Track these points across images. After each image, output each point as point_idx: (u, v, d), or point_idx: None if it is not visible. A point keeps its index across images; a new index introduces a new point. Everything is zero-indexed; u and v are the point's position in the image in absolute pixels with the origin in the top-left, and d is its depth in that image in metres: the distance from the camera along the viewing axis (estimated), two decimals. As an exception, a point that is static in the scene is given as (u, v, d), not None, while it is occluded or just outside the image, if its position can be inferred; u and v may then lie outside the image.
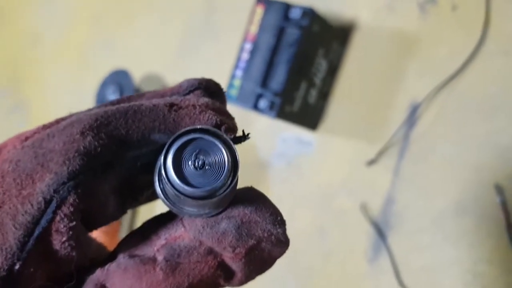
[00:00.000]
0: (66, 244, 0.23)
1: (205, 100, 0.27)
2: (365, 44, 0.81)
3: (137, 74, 1.06)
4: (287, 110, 0.75)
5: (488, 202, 0.69)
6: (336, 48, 0.81)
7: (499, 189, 0.68)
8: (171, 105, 0.26)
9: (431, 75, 0.74)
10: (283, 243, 0.26)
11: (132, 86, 0.98)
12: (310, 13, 0.72)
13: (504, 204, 0.67)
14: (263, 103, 0.73)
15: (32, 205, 0.23)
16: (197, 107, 0.26)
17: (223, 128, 0.26)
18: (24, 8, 1.33)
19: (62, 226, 0.23)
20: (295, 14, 0.73)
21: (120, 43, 1.14)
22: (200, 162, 0.24)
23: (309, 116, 0.81)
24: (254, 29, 0.75)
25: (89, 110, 0.27)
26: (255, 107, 0.74)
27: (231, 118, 0.28)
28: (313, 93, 0.79)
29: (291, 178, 0.85)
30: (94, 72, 1.12)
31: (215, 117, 0.26)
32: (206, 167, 0.24)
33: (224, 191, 0.24)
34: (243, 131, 0.26)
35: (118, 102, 0.28)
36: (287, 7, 0.73)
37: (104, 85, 1.02)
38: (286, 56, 0.73)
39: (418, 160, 0.74)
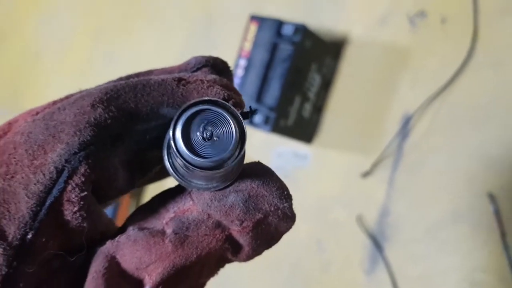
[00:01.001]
0: (77, 214, 0.24)
1: (212, 76, 0.27)
2: (358, 58, 0.83)
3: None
4: (282, 124, 0.76)
5: (482, 211, 0.69)
6: (329, 62, 0.82)
7: (492, 198, 0.69)
8: (179, 79, 0.26)
9: (422, 87, 0.76)
10: (289, 218, 0.26)
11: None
12: (302, 29, 0.74)
13: (497, 213, 0.68)
14: (258, 118, 0.74)
15: (44, 174, 0.23)
16: (205, 82, 0.26)
17: (230, 102, 0.26)
18: (24, 26, 1.35)
19: (73, 196, 0.23)
20: (287, 30, 0.74)
21: (119, 59, 1.15)
22: (208, 133, 0.24)
23: (304, 129, 0.82)
24: (248, 45, 0.76)
25: (99, 86, 0.27)
26: (250, 122, 0.75)
27: (238, 94, 0.28)
28: (307, 107, 0.81)
29: (287, 191, 0.85)
30: (95, 86, 1.13)
31: (223, 91, 0.26)
32: (214, 138, 0.24)
33: (232, 161, 0.24)
34: (250, 107, 0.27)
35: (127, 77, 0.28)
36: (280, 24, 0.75)
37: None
38: (280, 72, 0.74)
39: (412, 171, 0.75)
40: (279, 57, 0.75)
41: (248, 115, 0.26)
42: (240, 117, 0.24)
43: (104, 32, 1.20)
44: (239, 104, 0.27)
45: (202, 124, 0.24)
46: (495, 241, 0.68)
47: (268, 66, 0.75)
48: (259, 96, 0.75)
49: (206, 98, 0.24)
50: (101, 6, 1.21)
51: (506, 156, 0.69)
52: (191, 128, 0.24)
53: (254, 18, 0.77)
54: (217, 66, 0.29)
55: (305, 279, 0.82)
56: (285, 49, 0.74)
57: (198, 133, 0.24)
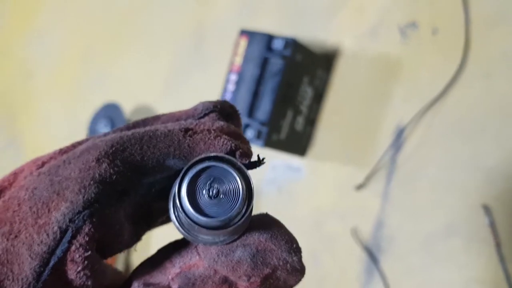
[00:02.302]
0: (82, 273, 0.23)
1: (220, 123, 0.27)
2: (349, 70, 0.83)
3: (128, 106, 1.07)
4: (275, 139, 0.76)
5: (477, 223, 0.69)
6: (321, 75, 0.82)
7: (487, 210, 0.68)
8: (186, 130, 0.26)
9: (414, 98, 0.75)
10: (298, 271, 0.25)
11: (123, 119, 1.00)
12: (292, 43, 0.74)
13: (492, 225, 0.68)
14: (250, 133, 0.74)
15: (48, 234, 0.23)
16: (212, 131, 0.26)
17: (237, 153, 0.26)
18: (17, 43, 1.35)
19: (77, 255, 0.23)
20: (277, 45, 0.74)
21: (110, 77, 1.15)
22: (214, 191, 0.24)
23: (297, 143, 0.82)
24: (238, 60, 0.76)
25: (105, 134, 0.27)
26: (243, 137, 0.74)
27: (246, 142, 0.27)
28: (300, 120, 0.80)
29: (281, 204, 0.85)
30: (87, 105, 1.13)
31: (230, 142, 0.26)
32: (221, 196, 0.24)
33: (239, 220, 0.23)
34: (258, 155, 0.26)
35: (133, 125, 0.28)
36: (270, 38, 0.75)
37: (95, 119, 1.03)
38: (271, 86, 0.74)
39: (405, 183, 0.75)
40: (270, 71, 0.75)
41: (256, 164, 0.26)
42: (247, 172, 0.24)
43: (95, 51, 1.20)
44: (246, 154, 0.26)
45: (208, 182, 0.24)
46: (491, 253, 0.68)
47: (259, 81, 0.75)
48: (251, 111, 0.75)
49: (212, 155, 0.24)
50: (91, 25, 1.22)
51: (500, 167, 0.69)
52: (196, 186, 0.24)
53: (244, 32, 0.77)
54: (225, 111, 0.29)
55: (301, 294, 0.82)
56: (275, 63, 0.74)
57: (204, 191, 0.24)
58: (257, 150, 0.84)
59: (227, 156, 0.24)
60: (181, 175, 0.24)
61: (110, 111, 1.01)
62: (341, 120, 0.83)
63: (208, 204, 0.23)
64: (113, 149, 0.25)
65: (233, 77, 0.76)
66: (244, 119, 0.75)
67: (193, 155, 0.25)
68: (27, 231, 0.23)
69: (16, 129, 1.30)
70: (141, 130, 0.26)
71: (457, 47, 0.73)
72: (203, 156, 0.24)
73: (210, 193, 0.24)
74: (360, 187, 0.78)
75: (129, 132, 0.26)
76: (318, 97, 0.83)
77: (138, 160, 0.25)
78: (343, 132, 0.82)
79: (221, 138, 0.26)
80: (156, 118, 0.29)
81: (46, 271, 0.23)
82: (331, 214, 0.81)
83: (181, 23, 1.05)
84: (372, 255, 0.76)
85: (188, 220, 0.23)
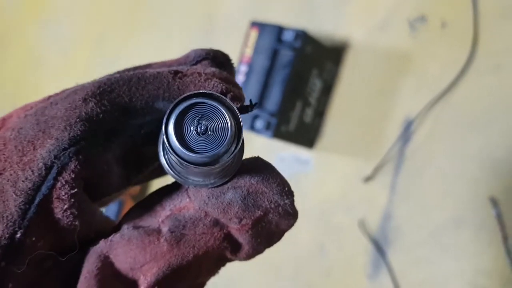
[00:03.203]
0: (68, 212, 0.23)
1: (212, 69, 0.26)
2: (358, 63, 0.83)
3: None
4: (283, 130, 0.76)
5: (485, 214, 0.69)
6: (330, 67, 0.82)
7: (495, 202, 0.68)
8: (176, 72, 0.25)
9: (423, 91, 0.76)
10: (290, 215, 0.25)
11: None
12: (302, 35, 0.74)
13: (500, 217, 0.68)
14: (259, 124, 0.74)
15: (32, 171, 0.22)
16: (203, 75, 0.26)
17: (229, 96, 0.25)
18: (27, 30, 1.36)
19: (63, 193, 0.23)
20: (288, 36, 0.75)
21: (122, 63, 1.15)
22: (202, 128, 0.23)
23: (305, 134, 0.82)
24: (249, 51, 0.77)
25: (94, 79, 0.26)
26: (252, 127, 0.75)
27: (238, 88, 0.27)
28: (309, 112, 0.81)
29: (290, 197, 0.85)
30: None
31: (221, 85, 0.25)
32: (209, 133, 0.23)
33: (228, 157, 0.23)
34: (250, 100, 0.26)
35: (124, 71, 0.27)
36: (280, 29, 0.75)
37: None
38: (281, 77, 0.75)
39: (414, 175, 0.75)
40: (280, 63, 0.75)
41: (248, 109, 0.25)
42: (237, 110, 0.23)
43: (105, 38, 1.20)
44: (238, 97, 0.25)
45: (196, 118, 0.23)
46: (498, 245, 0.68)
47: (269, 72, 0.75)
48: (260, 102, 0.75)
49: (200, 91, 0.23)
50: (102, 13, 1.22)
51: (508, 160, 0.69)
52: (184, 123, 0.23)
53: (254, 24, 0.77)
54: (218, 59, 0.28)
55: (307, 284, 0.82)
56: (285, 55, 0.75)
57: (192, 128, 0.23)
58: (266, 141, 0.85)
59: (216, 93, 0.23)
60: (168, 111, 0.23)
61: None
62: (349, 112, 0.83)
63: (196, 140, 0.23)
64: (101, 89, 0.24)
65: (243, 68, 0.77)
66: (253, 111, 0.75)
67: None
68: (12, 169, 0.23)
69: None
70: (130, 72, 0.26)
71: (465, 40, 0.74)
72: (191, 92, 0.23)
73: (198, 129, 0.23)
74: (368, 179, 0.79)
75: (118, 75, 0.25)
76: (327, 89, 0.84)
77: (126, 101, 0.24)
78: (352, 124, 0.83)
79: (211, 80, 0.25)
80: (148, 66, 0.28)
81: (32, 209, 0.22)
82: (338, 206, 0.81)
83: (191, 14, 1.05)
84: (379, 247, 0.76)
85: (176, 157, 0.23)
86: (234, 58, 0.88)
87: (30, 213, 0.22)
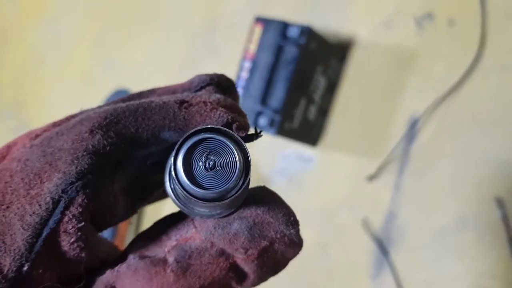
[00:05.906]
0: (75, 245, 0.23)
1: (216, 96, 0.26)
2: (363, 60, 0.82)
3: (139, 93, 1.07)
4: (287, 127, 0.76)
5: (489, 216, 0.69)
6: (335, 65, 0.82)
7: (500, 203, 0.68)
8: (182, 102, 0.25)
9: (429, 90, 0.75)
10: (296, 244, 0.25)
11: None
12: (307, 32, 0.73)
13: (505, 218, 0.67)
14: (263, 121, 0.74)
15: (40, 205, 0.22)
16: (208, 104, 0.25)
17: (234, 126, 0.25)
18: (27, 29, 1.35)
19: (70, 227, 0.23)
20: (292, 32, 0.74)
21: (122, 63, 1.15)
22: (211, 163, 0.23)
23: (309, 132, 0.81)
24: (253, 47, 0.76)
25: (99, 107, 0.26)
26: (255, 124, 0.74)
27: (243, 115, 0.27)
28: (313, 109, 0.80)
29: (292, 195, 0.85)
30: (97, 91, 1.13)
31: (227, 114, 0.25)
32: (217, 168, 0.23)
33: (236, 192, 0.23)
34: (255, 128, 0.26)
35: (128, 98, 0.27)
36: (285, 26, 0.74)
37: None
38: (285, 74, 0.74)
39: (418, 174, 0.75)
40: (284, 59, 0.74)
41: (253, 137, 0.25)
42: (244, 145, 0.24)
43: (106, 38, 1.19)
44: (243, 127, 0.25)
45: (204, 154, 0.23)
46: (503, 246, 0.67)
47: (273, 68, 0.74)
48: (264, 99, 0.74)
49: (208, 126, 0.24)
50: (103, 12, 1.21)
51: (514, 160, 0.68)
52: (192, 158, 0.23)
53: (259, 20, 0.76)
54: (222, 84, 0.28)
55: (310, 284, 0.81)
56: (290, 51, 0.74)
57: (200, 163, 0.23)
58: (270, 138, 0.84)
59: (224, 128, 0.24)
60: (177, 146, 0.23)
61: (121, 98, 1.01)
62: (354, 110, 0.83)
63: (204, 176, 0.23)
64: (107, 120, 0.24)
65: (247, 64, 0.76)
66: (257, 107, 0.74)
67: (189, 128, 0.25)
68: (19, 202, 0.23)
69: (26, 116, 1.30)
70: (135, 102, 0.25)
71: (473, 39, 0.73)
72: (199, 127, 0.24)
73: (207, 165, 0.23)
74: (372, 178, 0.78)
75: (123, 104, 0.25)
76: (332, 87, 0.83)
77: (132, 132, 0.24)
78: (356, 122, 0.82)
79: (217, 110, 0.25)
80: (152, 91, 0.28)
81: (39, 242, 0.22)
82: (342, 205, 0.80)
83: (194, 9, 1.04)
84: (382, 247, 0.75)
85: (184, 192, 0.23)
86: (238, 54, 0.87)
87: (37, 246, 0.22)
